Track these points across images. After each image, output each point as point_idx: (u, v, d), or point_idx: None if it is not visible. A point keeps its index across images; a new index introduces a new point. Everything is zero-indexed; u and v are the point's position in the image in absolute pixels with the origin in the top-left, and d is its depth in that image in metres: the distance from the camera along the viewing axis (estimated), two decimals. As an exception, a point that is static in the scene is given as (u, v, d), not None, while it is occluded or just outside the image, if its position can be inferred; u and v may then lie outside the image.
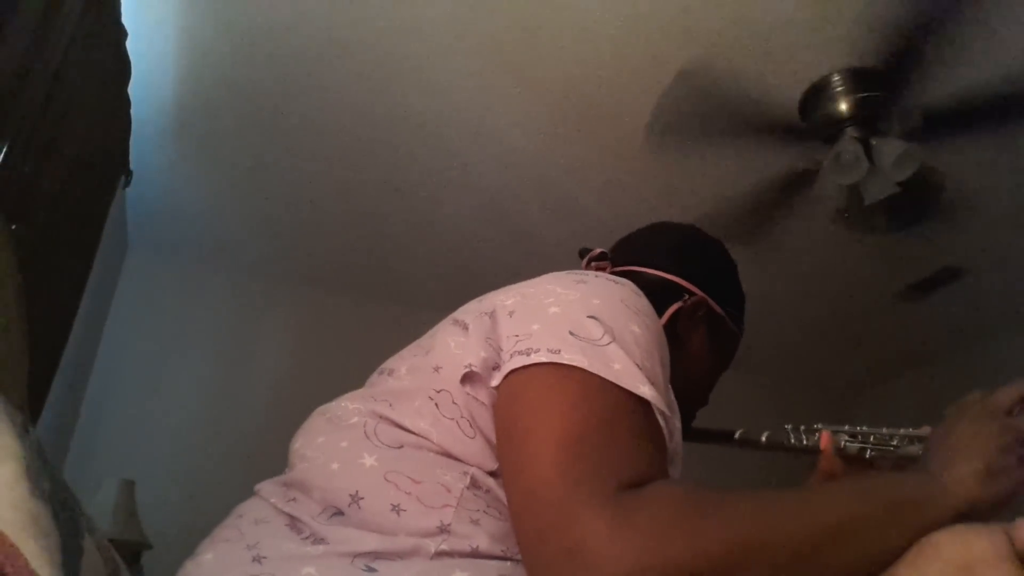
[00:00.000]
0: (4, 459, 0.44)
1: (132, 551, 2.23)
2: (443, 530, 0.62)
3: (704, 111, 2.12)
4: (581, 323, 0.69)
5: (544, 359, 0.66)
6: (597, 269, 0.98)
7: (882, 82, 1.96)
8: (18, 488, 0.43)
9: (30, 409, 1.53)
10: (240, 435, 2.88)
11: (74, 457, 2.63)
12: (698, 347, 0.96)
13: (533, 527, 0.59)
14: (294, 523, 0.67)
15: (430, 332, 0.83)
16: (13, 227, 1.29)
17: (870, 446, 0.84)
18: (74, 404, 2.66)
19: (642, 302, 0.77)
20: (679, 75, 2.03)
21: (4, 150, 1.25)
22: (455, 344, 0.74)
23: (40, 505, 0.44)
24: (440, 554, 0.61)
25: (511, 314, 0.73)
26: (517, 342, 0.69)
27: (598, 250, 1.02)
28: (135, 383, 2.87)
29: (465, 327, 0.75)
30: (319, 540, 0.63)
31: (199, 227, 2.92)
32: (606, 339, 0.68)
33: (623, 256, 1.01)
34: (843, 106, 1.97)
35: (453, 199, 2.63)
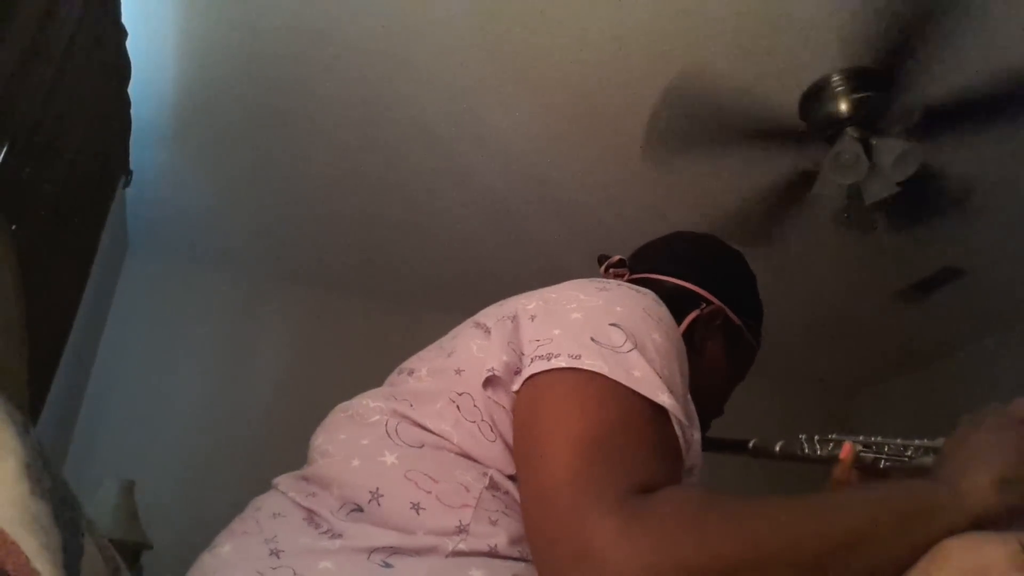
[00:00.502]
0: (5, 457, 0.44)
1: (132, 551, 2.23)
2: (461, 530, 0.63)
3: (700, 119, 2.12)
4: (603, 330, 0.69)
5: (564, 364, 0.66)
6: (615, 276, 0.99)
7: (882, 82, 1.96)
8: (19, 486, 0.43)
9: (30, 409, 1.53)
10: (240, 435, 2.88)
11: (74, 457, 2.63)
12: (714, 356, 0.96)
13: (544, 529, 0.59)
14: (312, 517, 0.67)
15: (451, 333, 0.83)
16: (13, 227, 1.29)
17: (884, 456, 0.84)
18: (74, 404, 2.66)
19: (663, 311, 0.77)
20: (667, 90, 2.05)
21: (4, 150, 1.25)
22: (477, 347, 0.74)
23: (41, 504, 0.44)
24: (457, 553, 0.61)
25: (533, 319, 0.74)
26: (538, 347, 0.69)
27: (616, 257, 1.02)
28: (135, 383, 2.87)
29: (487, 331, 0.75)
30: (336, 535, 0.64)
31: (199, 227, 2.92)
32: (627, 346, 0.68)
33: (641, 264, 1.02)
34: (843, 106, 1.97)
35: (453, 199, 2.63)
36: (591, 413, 0.63)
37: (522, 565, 0.63)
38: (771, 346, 3.50)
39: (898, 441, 0.84)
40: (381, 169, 2.50)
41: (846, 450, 0.83)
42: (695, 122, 2.15)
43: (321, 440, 0.77)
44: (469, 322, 0.81)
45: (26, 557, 0.41)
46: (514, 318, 0.75)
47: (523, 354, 0.71)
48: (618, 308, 0.73)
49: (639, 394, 0.65)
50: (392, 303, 3.26)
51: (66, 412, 2.50)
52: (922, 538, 0.61)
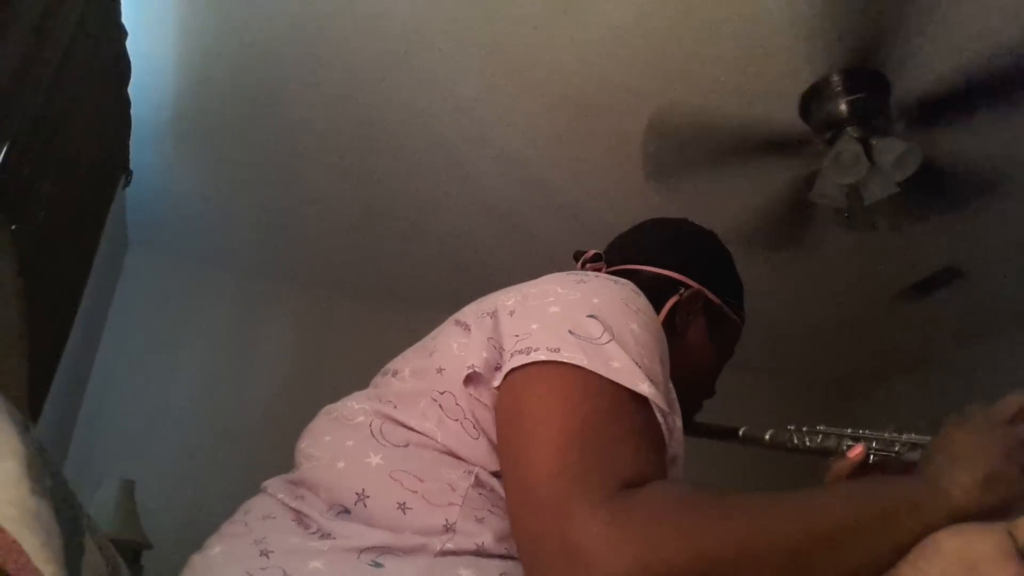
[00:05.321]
0: (6, 456, 0.44)
1: (132, 551, 2.23)
2: (448, 528, 0.63)
3: (690, 142, 2.16)
4: (581, 322, 0.69)
5: (544, 357, 0.66)
6: (592, 270, 0.98)
7: (882, 82, 1.97)
8: (20, 485, 0.43)
9: (30, 409, 1.53)
10: (240, 435, 2.88)
11: (74, 457, 2.63)
12: (698, 339, 0.96)
13: (530, 527, 0.59)
14: (301, 518, 0.67)
15: (433, 333, 0.83)
16: (13, 227, 1.29)
17: (873, 451, 0.84)
18: (74, 404, 2.66)
19: (641, 301, 0.77)
20: (650, 122, 2.13)
21: (4, 150, 1.25)
22: (457, 346, 0.74)
23: (42, 503, 0.44)
24: (445, 552, 0.61)
25: (512, 314, 0.74)
26: (517, 342, 0.70)
27: (592, 251, 1.02)
28: (135, 383, 2.87)
29: (467, 328, 0.75)
30: (326, 535, 0.64)
31: (199, 227, 2.92)
32: (605, 337, 0.68)
33: (617, 255, 1.02)
34: (843, 106, 1.97)
35: (453, 199, 2.63)
36: (572, 407, 0.64)
37: (509, 563, 0.63)
38: (771, 346, 3.49)
39: (886, 435, 0.85)
40: (381, 169, 2.50)
41: (858, 451, 0.83)
42: (686, 146, 2.18)
43: (306, 443, 0.77)
44: (450, 320, 0.81)
45: (27, 556, 0.42)
46: (493, 314, 0.75)
47: (503, 350, 0.71)
48: (595, 300, 0.73)
49: (619, 385, 0.65)
50: (392, 303, 3.26)
51: (66, 412, 2.50)
52: (906, 535, 0.62)
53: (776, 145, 2.14)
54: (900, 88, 1.98)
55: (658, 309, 0.84)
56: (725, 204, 2.38)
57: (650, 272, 0.97)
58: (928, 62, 1.91)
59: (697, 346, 0.96)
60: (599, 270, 0.98)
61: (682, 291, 0.95)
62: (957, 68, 1.90)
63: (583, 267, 1.01)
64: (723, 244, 1.06)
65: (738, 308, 1.02)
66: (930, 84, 1.95)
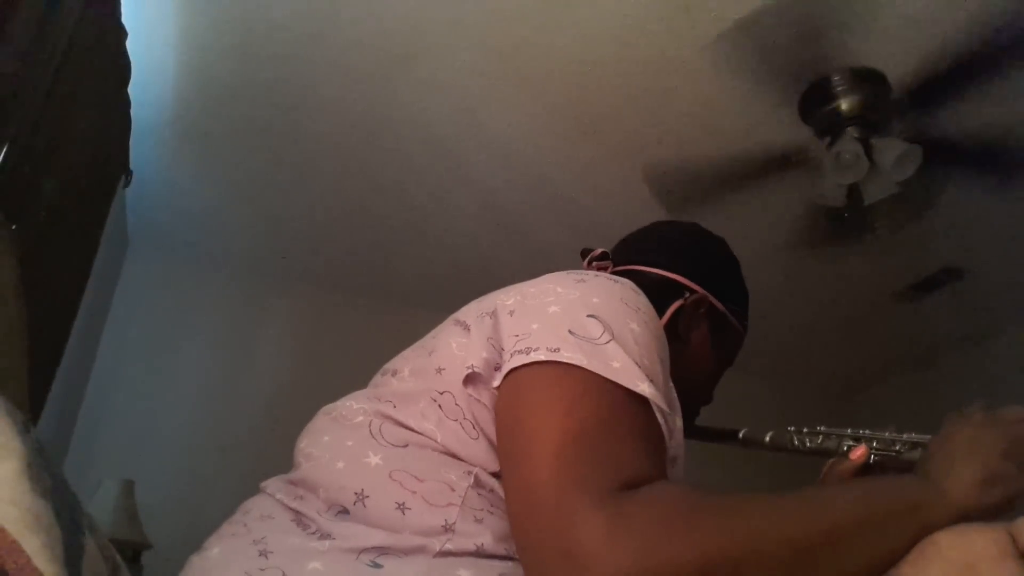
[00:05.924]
0: (6, 456, 0.44)
1: (132, 551, 2.23)
2: (447, 529, 0.63)
3: (694, 181, 2.26)
4: (580, 322, 0.69)
5: (543, 358, 0.66)
6: (598, 269, 0.98)
7: (882, 82, 1.97)
8: (20, 485, 0.43)
9: (30, 409, 1.53)
10: (240, 435, 2.88)
11: (74, 457, 2.63)
12: (700, 344, 0.96)
13: (530, 528, 0.59)
14: (300, 519, 0.67)
15: (432, 332, 0.83)
16: (13, 227, 1.29)
17: (873, 451, 0.84)
18: (74, 404, 2.66)
19: (641, 300, 0.77)
20: (645, 174, 2.25)
21: (4, 150, 1.25)
22: (457, 345, 0.74)
23: (42, 503, 0.44)
24: (444, 553, 0.61)
25: (511, 313, 0.73)
26: (517, 341, 0.69)
27: (599, 250, 1.02)
28: (135, 383, 2.87)
29: (467, 328, 0.75)
30: (325, 535, 0.64)
31: (199, 226, 2.92)
32: (605, 337, 0.68)
33: (624, 255, 1.01)
34: (843, 106, 1.97)
35: (453, 199, 2.63)
36: (572, 407, 0.63)
37: (509, 564, 0.63)
38: (771, 346, 3.48)
39: (887, 435, 0.85)
40: (381, 169, 2.50)
41: (860, 452, 0.83)
42: (691, 180, 2.25)
43: (305, 443, 0.77)
44: (450, 320, 0.81)
45: (27, 556, 0.42)
46: (493, 314, 0.74)
47: (503, 350, 0.70)
48: (595, 299, 0.73)
49: (619, 385, 0.65)
50: (392, 303, 3.25)
51: (66, 412, 2.50)
52: (906, 534, 0.62)
53: (780, 160, 2.16)
54: (900, 88, 1.98)
55: (661, 312, 0.84)
56: (746, 221, 2.41)
57: (655, 274, 0.97)
58: (927, 57, 1.91)
59: (698, 352, 0.96)
60: (605, 269, 0.98)
61: (687, 295, 0.95)
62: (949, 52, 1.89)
63: (589, 265, 1.01)
64: (731, 251, 1.05)
65: (742, 317, 1.02)
66: (926, 73, 1.95)
